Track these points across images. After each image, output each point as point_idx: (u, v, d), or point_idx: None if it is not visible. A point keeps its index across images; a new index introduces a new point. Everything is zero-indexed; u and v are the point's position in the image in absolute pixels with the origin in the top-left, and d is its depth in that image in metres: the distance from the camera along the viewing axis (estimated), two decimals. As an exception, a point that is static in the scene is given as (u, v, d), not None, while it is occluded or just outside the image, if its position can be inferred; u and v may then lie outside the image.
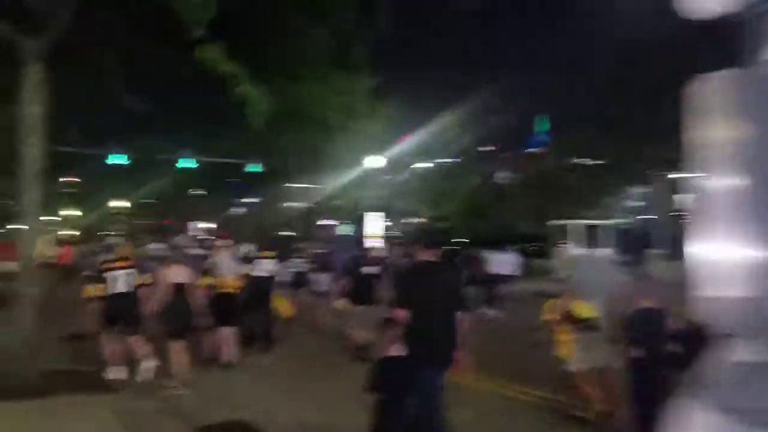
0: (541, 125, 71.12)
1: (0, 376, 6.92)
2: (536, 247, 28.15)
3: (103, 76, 8.49)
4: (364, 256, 9.98)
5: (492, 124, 34.69)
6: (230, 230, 47.99)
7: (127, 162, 31.91)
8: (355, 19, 8.21)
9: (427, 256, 4.98)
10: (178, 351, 7.30)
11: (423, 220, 35.14)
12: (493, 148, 45.69)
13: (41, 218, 7.21)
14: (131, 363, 7.72)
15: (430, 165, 36.88)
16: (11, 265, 7.94)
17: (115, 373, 7.53)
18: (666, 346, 4.79)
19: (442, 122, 32.47)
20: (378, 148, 28.90)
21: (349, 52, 8.50)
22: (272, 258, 10.26)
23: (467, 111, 32.96)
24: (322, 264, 12.36)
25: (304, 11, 8.04)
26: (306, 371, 8.34)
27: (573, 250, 24.55)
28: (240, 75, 6.54)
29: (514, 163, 46.07)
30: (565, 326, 6.01)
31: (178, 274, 7.53)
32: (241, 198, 52.42)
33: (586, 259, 7.10)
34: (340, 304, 9.38)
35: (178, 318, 7.38)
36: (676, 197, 28.34)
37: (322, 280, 11.84)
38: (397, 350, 4.41)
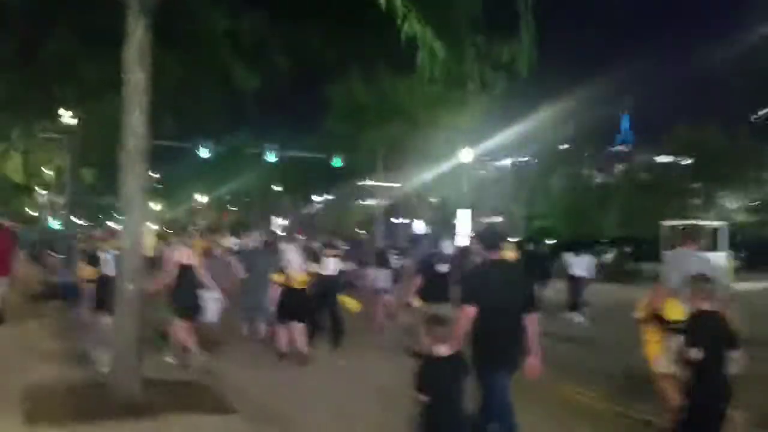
0: (625, 122, 67.55)
1: (104, 388, 6.09)
2: (643, 249, 25.87)
3: (209, 47, 7.52)
4: (437, 253, 9.76)
5: (580, 121, 32.65)
6: (305, 227, 47.89)
7: (209, 155, 31.70)
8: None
9: (492, 256, 4.97)
10: (184, 330, 7.62)
11: (494, 219, 33.53)
12: (568, 146, 43.20)
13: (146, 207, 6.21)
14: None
15: (519, 161, 35.17)
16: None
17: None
18: (723, 351, 4.67)
19: (534, 117, 30.75)
20: (468, 142, 27.51)
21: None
22: (338, 257, 10.42)
23: (560, 106, 31.07)
24: (381, 260, 12.48)
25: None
26: (372, 366, 8.49)
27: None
28: (407, 11, 5.28)
29: (602, 162, 43.47)
30: (651, 326, 5.87)
31: (183, 255, 7.75)
32: (320, 195, 52.05)
33: (676, 256, 6.29)
34: (413, 301, 9.22)
35: (183, 298, 7.63)
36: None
37: (381, 277, 12.02)
38: (444, 350, 4.17)
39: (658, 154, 39.30)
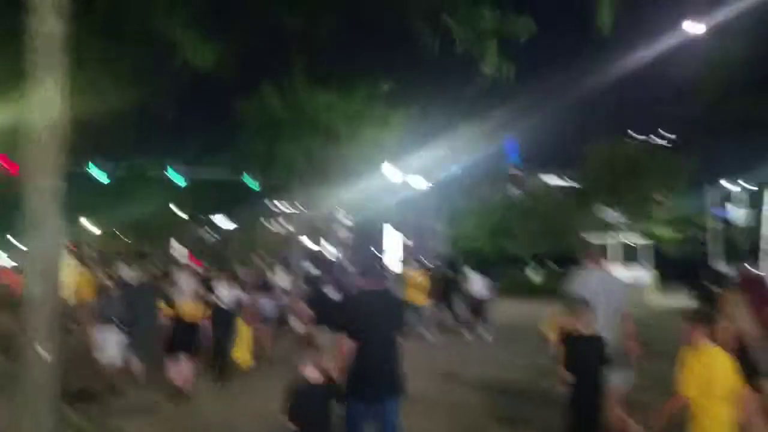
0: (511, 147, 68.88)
1: None
2: (569, 266, 25.51)
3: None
4: (329, 280, 9.62)
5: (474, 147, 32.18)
6: (210, 254, 44.39)
7: (108, 180, 28.10)
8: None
9: (367, 284, 4.92)
10: None
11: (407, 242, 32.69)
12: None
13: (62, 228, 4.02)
14: None
15: (429, 183, 34.50)
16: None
17: None
18: (597, 372, 4.84)
19: (445, 140, 29.89)
20: (390, 160, 26.17)
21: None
22: (235, 285, 10.16)
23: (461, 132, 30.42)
24: (264, 287, 12.43)
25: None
26: (261, 395, 8.17)
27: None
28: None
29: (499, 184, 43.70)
30: (562, 344, 5.69)
31: None
32: (228, 219, 48.74)
33: (582, 276, 6.25)
34: (303, 328, 9.19)
35: None
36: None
37: (266, 305, 11.92)
38: (313, 374, 4.19)
39: (563, 174, 39.94)
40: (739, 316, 5.44)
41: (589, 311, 5.02)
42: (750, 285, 8.53)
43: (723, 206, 25.57)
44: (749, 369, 4.77)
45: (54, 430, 4.05)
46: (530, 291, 24.65)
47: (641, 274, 23.51)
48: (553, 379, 5.55)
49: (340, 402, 4.28)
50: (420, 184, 29.07)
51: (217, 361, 9.49)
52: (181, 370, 8.40)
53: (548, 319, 6.45)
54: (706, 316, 4.59)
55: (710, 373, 4.16)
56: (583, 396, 4.78)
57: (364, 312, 4.64)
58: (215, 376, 9.43)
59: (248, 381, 9.43)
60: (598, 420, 4.79)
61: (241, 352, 9.90)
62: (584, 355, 4.84)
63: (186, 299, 8.58)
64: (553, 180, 43.58)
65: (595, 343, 4.90)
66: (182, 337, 8.41)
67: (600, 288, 5.66)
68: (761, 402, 5.14)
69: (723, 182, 26.19)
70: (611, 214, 27.31)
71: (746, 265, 9.43)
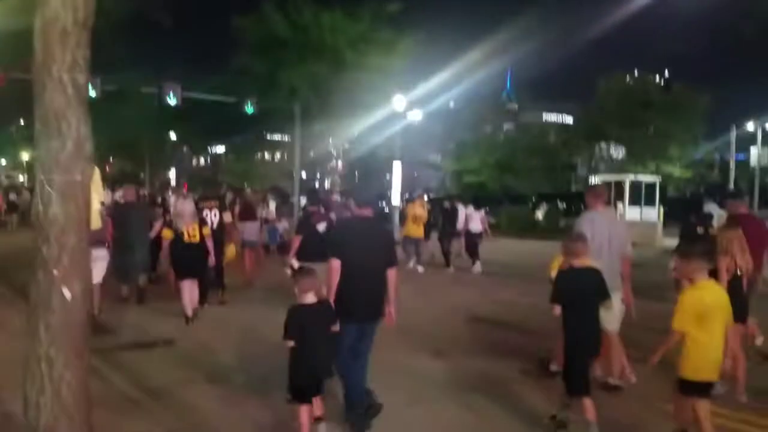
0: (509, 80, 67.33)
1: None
2: (576, 205, 24.94)
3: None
4: (318, 211, 9.32)
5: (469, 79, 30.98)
6: (194, 179, 43.25)
7: (94, 95, 26.51)
8: None
9: (358, 212, 4.97)
10: None
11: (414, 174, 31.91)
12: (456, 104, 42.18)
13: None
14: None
15: (428, 112, 33.41)
16: None
17: None
18: (589, 305, 4.88)
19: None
20: (398, 89, 24.98)
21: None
22: (220, 209, 10.38)
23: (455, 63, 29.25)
24: (248, 213, 12.60)
25: None
26: (258, 321, 8.39)
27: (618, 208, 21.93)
28: None
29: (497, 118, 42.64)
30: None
31: None
32: (223, 144, 47.41)
33: (587, 218, 6.14)
34: (293, 260, 9.04)
35: None
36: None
37: (248, 229, 12.11)
38: (311, 298, 4.40)
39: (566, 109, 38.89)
40: (730, 251, 5.66)
41: (583, 245, 5.03)
42: (738, 221, 8.22)
43: (739, 150, 24.92)
44: (738, 304, 4.98)
45: (65, 372, 3.35)
46: (535, 229, 24.23)
47: (650, 213, 23.08)
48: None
49: (336, 322, 4.46)
50: (424, 114, 28.03)
51: (216, 282, 9.74)
52: (190, 294, 8.48)
53: (553, 263, 6.16)
54: (699, 252, 4.66)
55: (704, 308, 4.30)
56: (575, 328, 4.76)
57: (349, 238, 4.79)
58: (219, 297, 9.66)
59: (251, 308, 9.45)
60: (589, 354, 4.82)
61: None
62: (578, 287, 4.81)
63: (186, 222, 8.55)
64: (560, 116, 42.57)
65: (590, 275, 4.89)
66: (186, 261, 8.43)
67: (604, 230, 5.75)
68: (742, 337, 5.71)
69: (742, 125, 25.41)
70: (621, 151, 26.53)
71: (737, 201, 9.01)
